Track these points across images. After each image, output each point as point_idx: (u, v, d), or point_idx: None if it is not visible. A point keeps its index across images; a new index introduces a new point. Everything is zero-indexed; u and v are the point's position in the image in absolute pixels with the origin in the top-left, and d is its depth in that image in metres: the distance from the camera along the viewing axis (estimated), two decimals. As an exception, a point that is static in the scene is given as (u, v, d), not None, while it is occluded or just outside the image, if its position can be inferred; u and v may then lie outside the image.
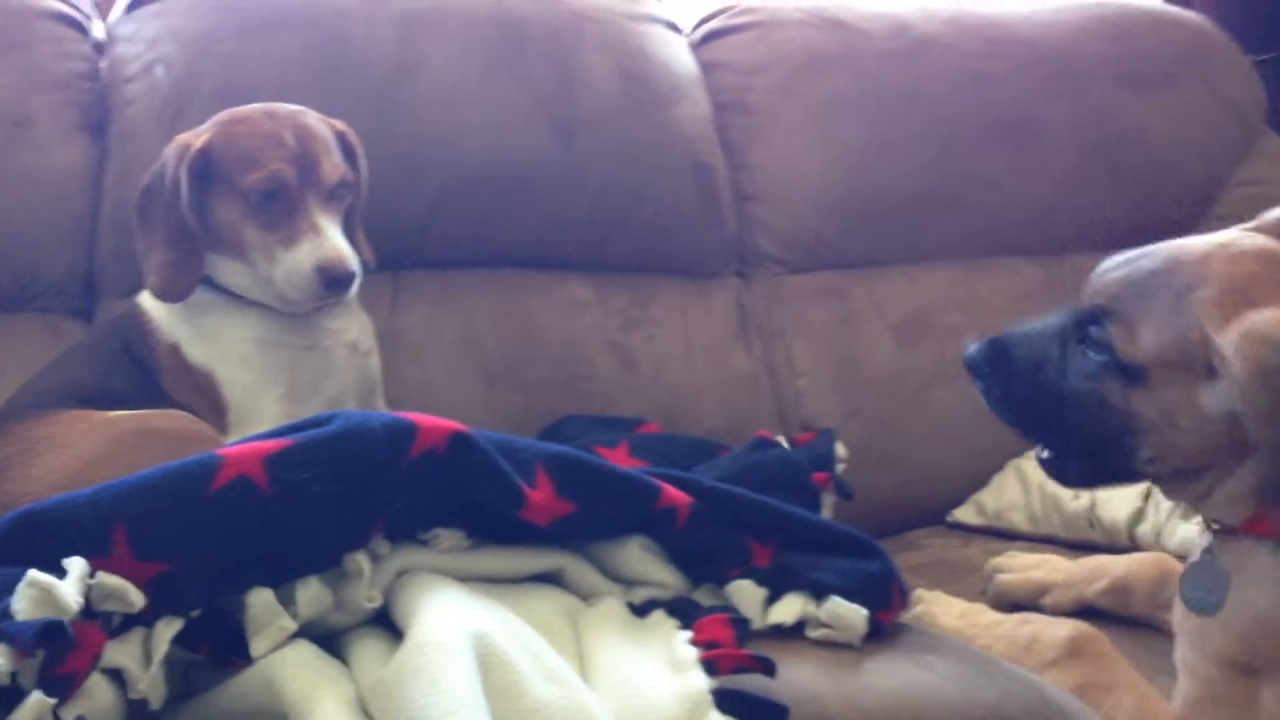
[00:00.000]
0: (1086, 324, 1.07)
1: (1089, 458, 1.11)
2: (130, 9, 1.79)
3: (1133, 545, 1.54)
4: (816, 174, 1.95)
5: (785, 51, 1.99)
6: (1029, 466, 1.77)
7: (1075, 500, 1.65)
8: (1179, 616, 1.12)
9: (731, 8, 2.07)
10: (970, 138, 2.01)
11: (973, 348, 1.16)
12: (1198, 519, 1.43)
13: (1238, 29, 2.30)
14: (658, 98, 1.88)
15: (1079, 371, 1.08)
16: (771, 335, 1.91)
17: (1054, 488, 1.67)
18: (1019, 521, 1.74)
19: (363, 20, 1.76)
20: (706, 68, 2.00)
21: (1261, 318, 0.94)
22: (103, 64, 1.78)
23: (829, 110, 1.96)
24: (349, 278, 1.40)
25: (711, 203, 1.90)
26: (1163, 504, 1.52)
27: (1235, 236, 1.06)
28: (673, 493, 1.17)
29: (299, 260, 1.39)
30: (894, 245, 1.98)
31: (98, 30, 1.82)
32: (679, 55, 1.97)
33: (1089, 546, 1.59)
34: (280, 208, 1.40)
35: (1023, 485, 1.76)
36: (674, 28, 2.03)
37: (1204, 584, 1.08)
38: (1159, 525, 1.52)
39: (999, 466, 1.84)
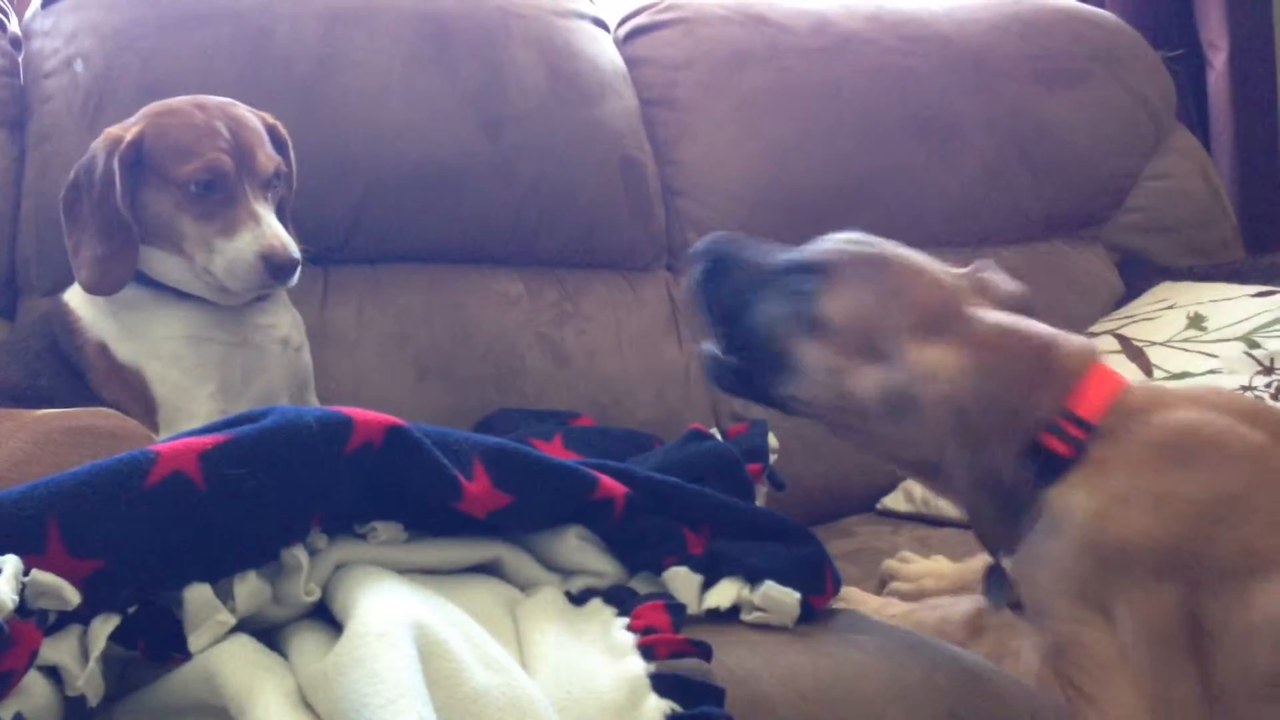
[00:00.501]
0: (806, 269, 1.22)
1: (745, 372, 1.26)
2: (47, 3, 1.76)
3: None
4: (741, 169, 1.98)
5: (710, 48, 2.02)
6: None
7: (998, 485, 1.69)
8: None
9: (656, 4, 2.09)
10: (891, 132, 2.05)
11: (707, 239, 1.28)
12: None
13: (1147, 26, 2.38)
14: (585, 94, 1.90)
15: (778, 297, 1.22)
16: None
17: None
18: (946, 507, 1.78)
19: (287, 15, 1.75)
20: (633, 64, 2.02)
21: (945, 353, 1.13)
22: (20, 59, 1.74)
23: (753, 106, 1.99)
24: (292, 264, 1.39)
25: (640, 197, 1.92)
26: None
27: (943, 266, 1.23)
28: (609, 483, 1.18)
29: (240, 250, 1.37)
30: (818, 238, 2.01)
31: (15, 25, 1.79)
32: (606, 51, 1.99)
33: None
34: (218, 198, 1.38)
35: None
36: (601, 24, 2.04)
37: (995, 584, 1.22)
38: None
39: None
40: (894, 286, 1.18)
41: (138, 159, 1.39)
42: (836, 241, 1.25)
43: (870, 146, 2.03)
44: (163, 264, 1.44)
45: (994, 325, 1.17)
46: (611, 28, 2.08)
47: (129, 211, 1.39)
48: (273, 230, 1.39)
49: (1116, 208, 2.21)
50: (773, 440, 1.72)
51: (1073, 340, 1.20)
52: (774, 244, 1.28)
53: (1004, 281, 1.26)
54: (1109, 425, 1.13)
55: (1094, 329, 1.98)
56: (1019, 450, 1.14)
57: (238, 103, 1.46)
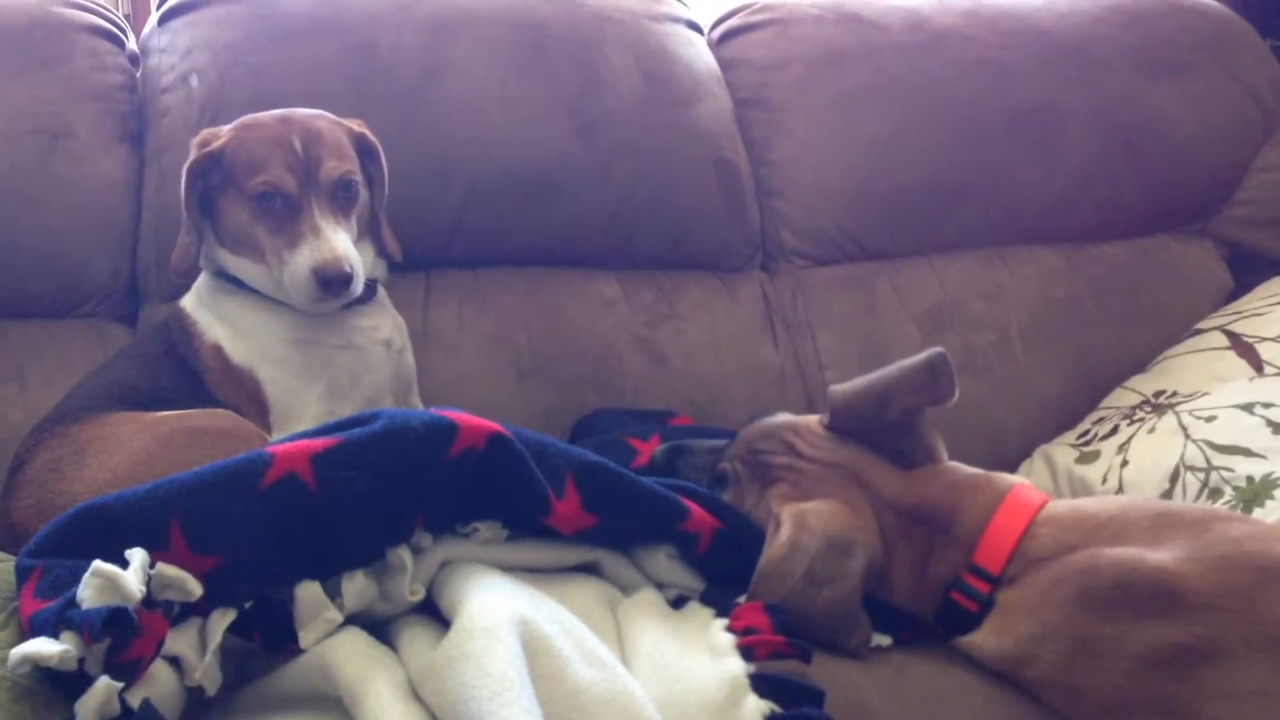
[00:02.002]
0: (715, 483, 1.33)
1: None
2: (163, 21, 1.83)
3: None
4: (837, 167, 1.97)
5: (803, 48, 2.01)
6: (1057, 453, 1.79)
7: (1104, 484, 1.66)
8: None
9: (750, 5, 2.09)
10: (989, 128, 2.02)
11: (659, 450, 1.41)
12: (1224, 499, 1.48)
13: (1255, 15, 2.31)
14: (679, 96, 1.91)
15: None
16: (797, 327, 1.93)
17: (1083, 472, 1.69)
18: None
19: (390, 27, 1.80)
20: (727, 65, 2.02)
21: (813, 506, 1.20)
22: (138, 75, 1.82)
23: (848, 104, 1.98)
24: (344, 280, 1.40)
25: (735, 198, 1.93)
26: (1189, 486, 1.54)
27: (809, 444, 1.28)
28: (700, 516, 1.20)
29: (297, 263, 1.41)
30: (916, 236, 2.00)
31: (133, 43, 1.87)
32: (700, 54, 2.00)
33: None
34: (283, 211, 1.42)
35: (1051, 471, 1.78)
36: (695, 27, 2.05)
37: None
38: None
39: (1027, 454, 1.86)
40: (781, 493, 1.24)
41: (218, 169, 1.45)
42: (738, 446, 1.33)
43: (967, 143, 2.01)
44: (248, 271, 1.49)
45: (890, 488, 1.21)
46: (705, 30, 2.09)
47: (193, 212, 1.46)
48: (328, 244, 1.40)
49: (1225, 201, 2.15)
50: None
51: (980, 480, 1.22)
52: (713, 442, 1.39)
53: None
54: (1014, 571, 1.14)
55: (1202, 325, 1.94)
56: (933, 607, 1.18)
57: (325, 114, 1.50)
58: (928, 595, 1.19)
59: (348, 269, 1.40)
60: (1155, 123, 2.10)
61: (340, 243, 1.41)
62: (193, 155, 1.45)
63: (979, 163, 2.02)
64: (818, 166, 1.98)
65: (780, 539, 1.17)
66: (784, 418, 1.35)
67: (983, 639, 1.14)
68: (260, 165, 1.42)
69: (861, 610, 1.16)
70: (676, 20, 2.01)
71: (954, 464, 1.26)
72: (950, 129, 2.01)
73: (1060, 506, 1.19)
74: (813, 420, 1.32)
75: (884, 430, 1.25)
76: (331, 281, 1.39)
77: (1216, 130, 2.13)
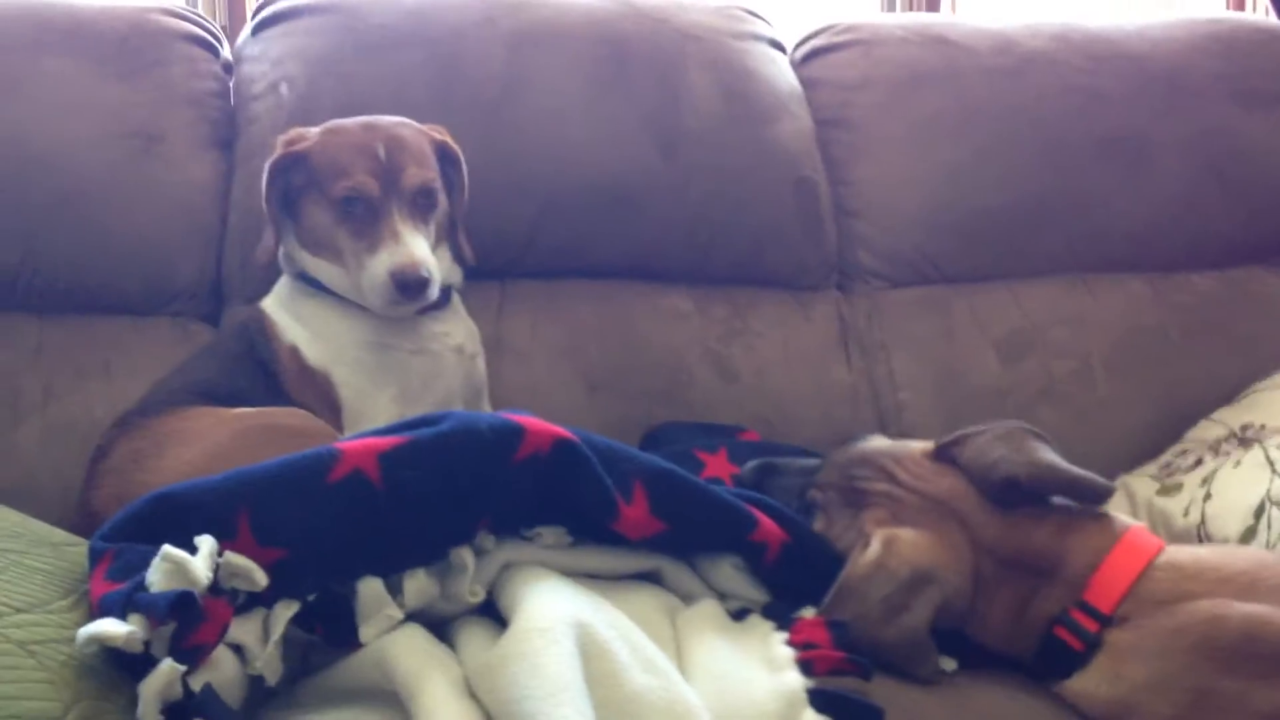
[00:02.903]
0: (804, 509, 1.30)
1: None
2: (256, 30, 1.88)
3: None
4: (918, 190, 1.95)
5: (888, 69, 2.00)
6: (1137, 484, 1.75)
7: (1185, 518, 1.62)
8: None
9: (834, 26, 2.08)
10: (1077, 154, 1.99)
11: (748, 468, 1.41)
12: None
13: (1358, 44, 2.24)
14: (759, 114, 1.91)
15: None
16: (872, 348, 1.91)
17: (1164, 504, 1.65)
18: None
19: (475, 40, 1.82)
20: (808, 84, 2.02)
21: (913, 534, 1.18)
22: (231, 83, 1.87)
23: (931, 127, 1.96)
24: (421, 284, 1.42)
25: (812, 217, 1.92)
26: (1275, 521, 1.49)
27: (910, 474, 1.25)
28: (769, 527, 1.18)
29: (376, 267, 1.43)
30: (996, 261, 1.97)
31: (227, 51, 1.92)
32: (781, 73, 2.00)
33: (1197, 565, 1.56)
34: (365, 216, 1.45)
35: (1131, 502, 1.73)
36: (778, 46, 2.05)
37: None
38: (1271, 542, 1.49)
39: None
40: (876, 518, 1.22)
41: (303, 170, 1.48)
42: (830, 471, 1.32)
43: (1052, 168, 1.98)
44: (328, 273, 1.52)
45: (989, 529, 1.18)
46: (789, 50, 2.09)
47: (271, 208, 1.50)
48: (407, 249, 1.42)
49: (1320, 234, 2.09)
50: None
51: (1091, 522, 1.18)
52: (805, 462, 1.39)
53: (1015, 453, 1.21)
54: (1128, 612, 1.10)
55: (1293, 360, 1.88)
56: (1032, 646, 1.14)
57: (409, 122, 1.53)
58: (1025, 635, 1.15)
59: (425, 274, 1.42)
60: (1248, 153, 2.05)
61: (419, 248, 1.43)
62: (277, 152, 1.49)
63: (1064, 188, 1.98)
64: (898, 188, 1.96)
65: (867, 558, 1.16)
66: (881, 443, 1.32)
67: (1091, 684, 1.10)
68: (345, 169, 1.45)
69: (930, 642, 1.14)
70: (759, 39, 2.01)
71: (1061, 503, 1.21)
72: (1035, 154, 1.98)
73: (1182, 554, 1.15)
74: (915, 448, 1.29)
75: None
76: (409, 285, 1.41)
77: (1311, 162, 2.07)
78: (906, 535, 1.17)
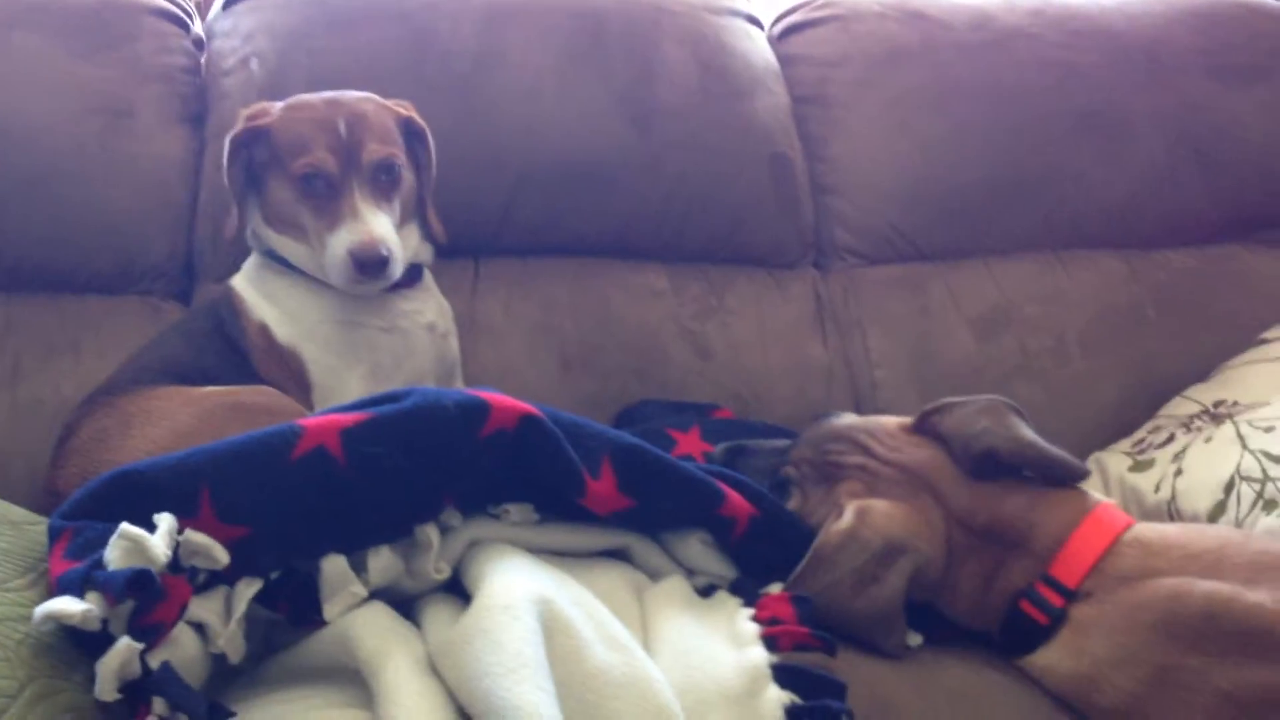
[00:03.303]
0: (777, 486, 1.30)
1: None
2: (227, 5, 1.86)
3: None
4: (895, 166, 1.94)
5: (865, 45, 1.99)
6: (1110, 459, 1.75)
7: (1156, 493, 1.62)
8: None
9: (812, 2, 2.07)
10: (1053, 130, 1.99)
11: (719, 449, 1.40)
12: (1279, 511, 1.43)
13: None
14: (736, 90, 1.90)
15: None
16: (848, 326, 1.91)
17: (1136, 480, 1.65)
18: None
19: (448, 14, 1.81)
20: (786, 61, 2.01)
21: (886, 504, 1.18)
22: (203, 59, 1.85)
23: (908, 102, 1.96)
24: (380, 263, 1.40)
25: (788, 194, 1.91)
26: (1244, 497, 1.50)
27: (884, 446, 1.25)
28: (736, 501, 1.18)
29: (336, 246, 1.41)
30: (973, 237, 1.97)
31: (199, 26, 1.90)
32: (758, 48, 1.99)
33: (1169, 540, 1.57)
34: (325, 193, 1.43)
35: (1103, 478, 1.74)
36: (754, 21, 2.04)
37: None
38: (1240, 517, 1.49)
39: (1081, 460, 1.82)
40: (850, 490, 1.22)
41: (264, 146, 1.47)
42: (803, 448, 1.32)
43: (1029, 144, 1.97)
44: (292, 251, 1.50)
45: (962, 499, 1.18)
46: (766, 26, 2.08)
47: (233, 184, 1.48)
48: (366, 227, 1.40)
49: (1298, 209, 2.09)
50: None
51: (1061, 497, 1.18)
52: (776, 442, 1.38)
53: (996, 426, 1.22)
54: (1092, 587, 1.10)
55: (1267, 335, 1.88)
56: (998, 618, 1.14)
57: (373, 97, 1.51)
58: (992, 608, 1.16)
59: (384, 252, 1.40)
60: (1227, 129, 2.05)
61: (379, 225, 1.42)
62: (238, 126, 1.47)
63: (1041, 164, 1.98)
64: (874, 164, 1.95)
65: (839, 527, 1.16)
66: (853, 418, 1.32)
67: (1054, 659, 1.11)
68: (304, 145, 1.43)
69: (901, 614, 1.14)
70: (736, 14, 2.00)
71: (1024, 483, 1.21)
72: (1012, 130, 1.98)
73: (1149, 530, 1.15)
74: (890, 421, 1.29)
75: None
76: (367, 264, 1.40)
77: (1290, 138, 2.07)
78: (880, 505, 1.17)
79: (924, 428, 1.26)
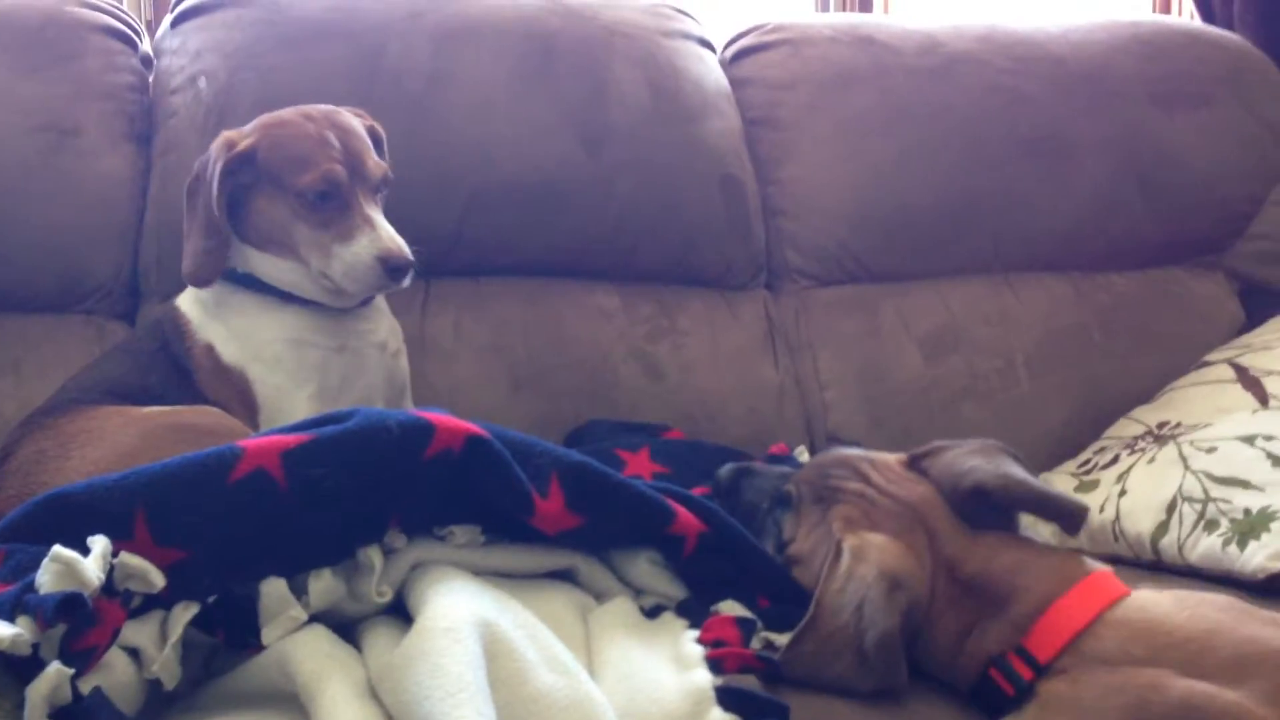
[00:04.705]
0: (777, 502, 1.28)
1: None
2: (176, 23, 1.85)
3: (1156, 558, 1.54)
4: (844, 189, 1.96)
5: (815, 68, 2.01)
6: (1057, 481, 1.77)
7: (1100, 514, 1.64)
8: None
9: (763, 26, 2.09)
10: (1000, 154, 2.01)
11: (724, 470, 1.37)
12: (1220, 531, 1.45)
13: (1275, 48, 2.29)
14: (687, 112, 1.91)
15: (767, 523, 1.30)
16: (799, 347, 1.92)
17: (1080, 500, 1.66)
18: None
19: (399, 34, 1.81)
20: (737, 84, 2.02)
21: (882, 539, 1.14)
22: (151, 76, 1.84)
23: (858, 126, 1.98)
24: (408, 265, 1.43)
25: (740, 216, 1.93)
26: (1186, 517, 1.52)
27: (884, 478, 1.22)
28: (686, 519, 1.17)
29: (358, 254, 1.42)
30: (922, 260, 1.99)
31: (147, 44, 1.89)
32: (710, 71, 2.00)
33: (1113, 559, 1.58)
34: (333, 205, 1.43)
35: (1049, 499, 1.75)
36: (707, 45, 2.05)
37: None
38: (1181, 539, 1.51)
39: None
40: (846, 515, 1.19)
41: (250, 168, 1.45)
42: (806, 470, 1.30)
43: (977, 168, 2.00)
44: (275, 268, 1.49)
45: (953, 544, 1.15)
46: (719, 49, 2.09)
47: (223, 214, 1.45)
48: (388, 234, 1.44)
49: (1239, 235, 2.13)
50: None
51: (1052, 561, 1.13)
52: (780, 468, 1.36)
53: (990, 465, 1.18)
54: (1067, 664, 1.06)
55: (1210, 358, 1.91)
56: (969, 680, 1.11)
57: (340, 109, 1.51)
58: (963, 667, 1.12)
59: (410, 255, 1.44)
60: (1169, 154, 2.09)
61: (394, 231, 1.45)
62: (224, 156, 1.43)
63: (988, 188, 2.01)
64: (825, 187, 1.97)
65: (839, 570, 1.12)
66: (860, 450, 1.30)
67: None
68: (307, 162, 1.43)
69: (901, 648, 1.09)
70: (688, 37, 2.02)
71: (1028, 537, 1.18)
72: (960, 154, 2.00)
73: (1135, 610, 1.09)
74: (892, 458, 1.26)
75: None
76: (399, 267, 1.43)
77: (1231, 164, 2.12)
78: (875, 540, 1.14)
79: (917, 466, 1.24)
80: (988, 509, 1.16)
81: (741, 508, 1.30)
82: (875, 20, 2.22)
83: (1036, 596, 1.10)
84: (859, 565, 1.11)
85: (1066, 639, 1.07)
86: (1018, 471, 1.17)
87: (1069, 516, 1.16)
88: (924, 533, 1.16)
